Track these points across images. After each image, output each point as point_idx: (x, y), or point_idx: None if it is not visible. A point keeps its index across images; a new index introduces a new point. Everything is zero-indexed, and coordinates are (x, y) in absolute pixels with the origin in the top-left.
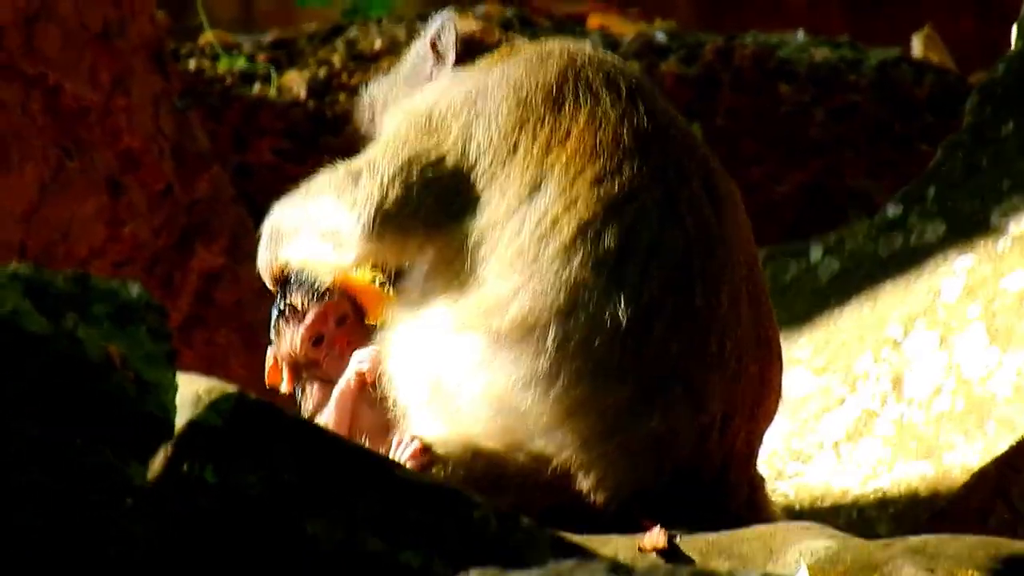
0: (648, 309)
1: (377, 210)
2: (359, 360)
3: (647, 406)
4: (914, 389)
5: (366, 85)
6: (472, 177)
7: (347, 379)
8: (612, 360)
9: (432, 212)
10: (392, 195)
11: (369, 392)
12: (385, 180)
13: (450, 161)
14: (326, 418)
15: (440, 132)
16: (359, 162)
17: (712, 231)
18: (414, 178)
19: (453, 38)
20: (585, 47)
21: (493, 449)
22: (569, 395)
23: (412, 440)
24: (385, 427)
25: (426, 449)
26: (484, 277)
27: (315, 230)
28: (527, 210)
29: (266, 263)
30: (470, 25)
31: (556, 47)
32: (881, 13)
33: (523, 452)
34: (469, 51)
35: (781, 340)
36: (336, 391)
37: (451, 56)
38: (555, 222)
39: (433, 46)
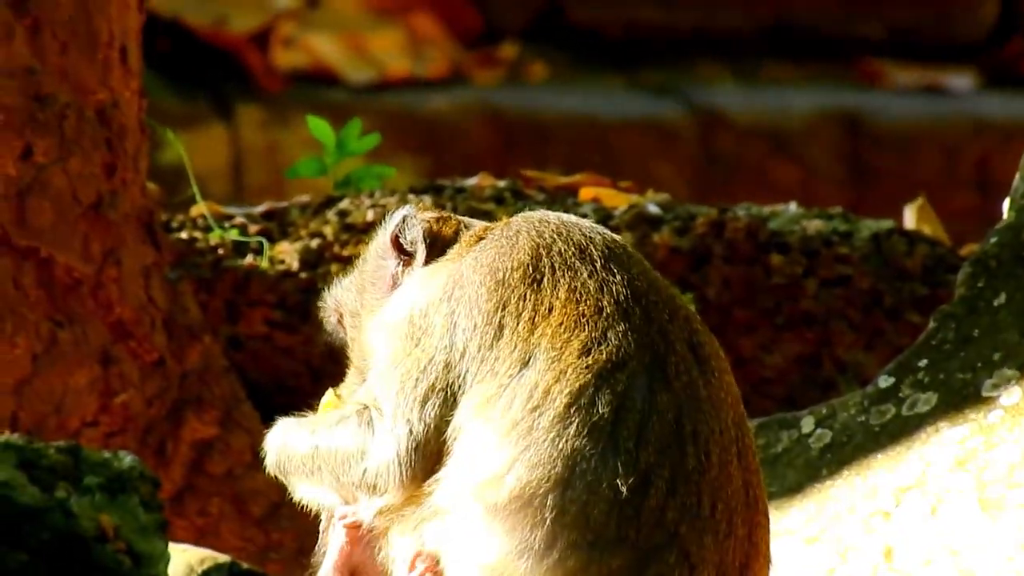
0: (645, 474)
1: (406, 452)
2: (341, 515)
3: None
4: (905, 560)
5: (326, 290)
6: (464, 365)
7: (340, 540)
8: (609, 529)
9: (442, 417)
10: (409, 428)
11: (364, 546)
12: (400, 416)
13: (441, 359)
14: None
15: (426, 335)
16: (368, 400)
17: (700, 393)
18: (420, 397)
19: (419, 233)
20: (549, 218)
21: None
22: (563, 565)
23: None
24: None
25: None
26: (478, 451)
27: (341, 481)
28: (517, 384)
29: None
30: (426, 215)
31: (522, 225)
32: (877, 186)
33: None
34: (434, 244)
35: (773, 511)
36: (332, 550)
37: (421, 252)
38: (547, 393)
39: (395, 242)
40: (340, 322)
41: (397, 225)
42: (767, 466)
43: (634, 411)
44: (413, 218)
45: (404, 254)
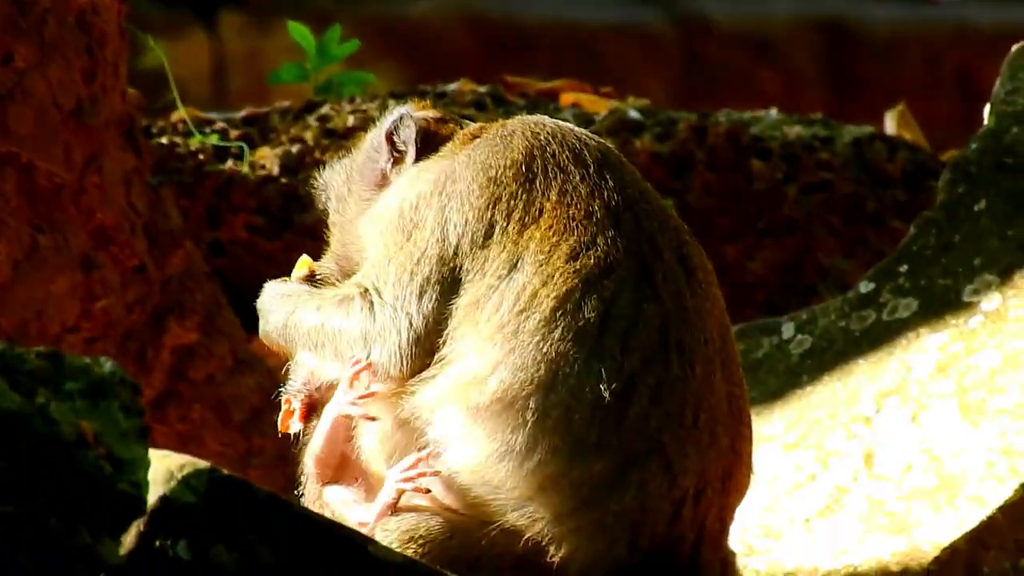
0: (629, 381)
1: (407, 344)
2: (344, 392)
3: (623, 481)
4: (885, 465)
5: (322, 168)
6: (457, 261)
7: (333, 416)
8: (591, 435)
9: (439, 311)
10: (409, 321)
11: (348, 438)
12: (400, 308)
13: (434, 252)
14: (311, 455)
15: (417, 228)
16: (368, 285)
17: (686, 303)
18: (417, 291)
19: (413, 134)
20: (545, 121)
21: (467, 524)
22: (544, 469)
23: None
24: (361, 475)
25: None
26: (463, 352)
27: (344, 362)
28: (506, 287)
29: (273, 345)
30: (425, 114)
31: (518, 126)
32: (858, 93)
33: (496, 527)
34: (426, 145)
35: (753, 417)
36: (323, 427)
37: (411, 153)
38: (534, 296)
39: (389, 139)
40: (327, 206)
41: (393, 122)
42: (748, 372)
43: (620, 318)
44: (409, 117)
45: (396, 151)
